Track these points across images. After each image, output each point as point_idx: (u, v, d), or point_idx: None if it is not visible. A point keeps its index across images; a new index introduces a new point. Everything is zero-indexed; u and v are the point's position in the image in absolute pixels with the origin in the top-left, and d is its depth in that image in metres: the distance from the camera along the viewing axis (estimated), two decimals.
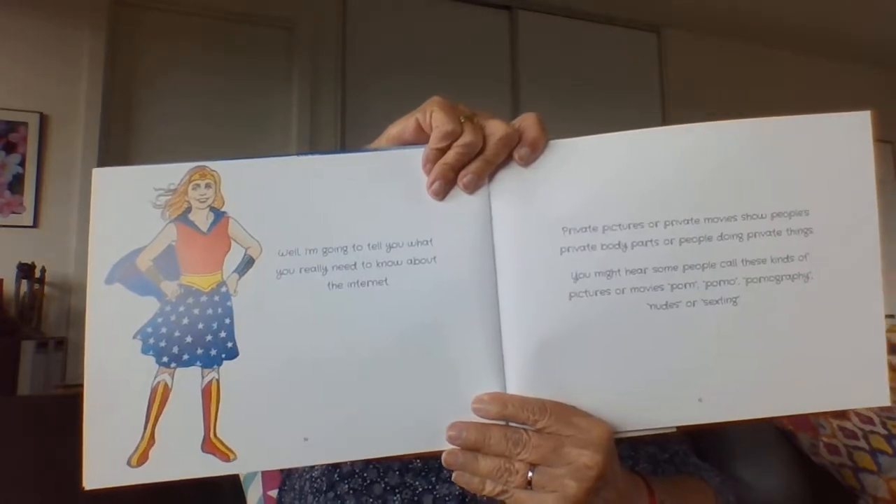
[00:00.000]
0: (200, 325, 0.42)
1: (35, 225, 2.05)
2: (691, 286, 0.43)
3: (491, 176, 0.44)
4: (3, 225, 2.03)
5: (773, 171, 0.44)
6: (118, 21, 2.19)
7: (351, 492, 0.54)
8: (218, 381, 0.41)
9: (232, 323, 0.42)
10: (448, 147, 0.42)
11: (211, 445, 0.41)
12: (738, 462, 1.57)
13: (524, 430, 0.41)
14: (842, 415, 1.58)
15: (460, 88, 2.50)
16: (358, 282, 0.42)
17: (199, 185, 0.43)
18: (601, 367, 0.43)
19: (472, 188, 0.43)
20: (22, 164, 2.05)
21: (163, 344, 0.41)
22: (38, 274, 1.94)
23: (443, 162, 0.42)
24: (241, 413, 0.41)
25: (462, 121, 0.42)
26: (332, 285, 0.42)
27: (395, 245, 0.43)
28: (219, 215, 0.43)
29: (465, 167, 0.43)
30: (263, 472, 0.80)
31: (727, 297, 0.43)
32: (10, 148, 2.05)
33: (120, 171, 0.44)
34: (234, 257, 0.42)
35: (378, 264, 0.43)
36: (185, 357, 0.41)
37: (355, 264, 0.43)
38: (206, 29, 2.30)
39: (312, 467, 0.57)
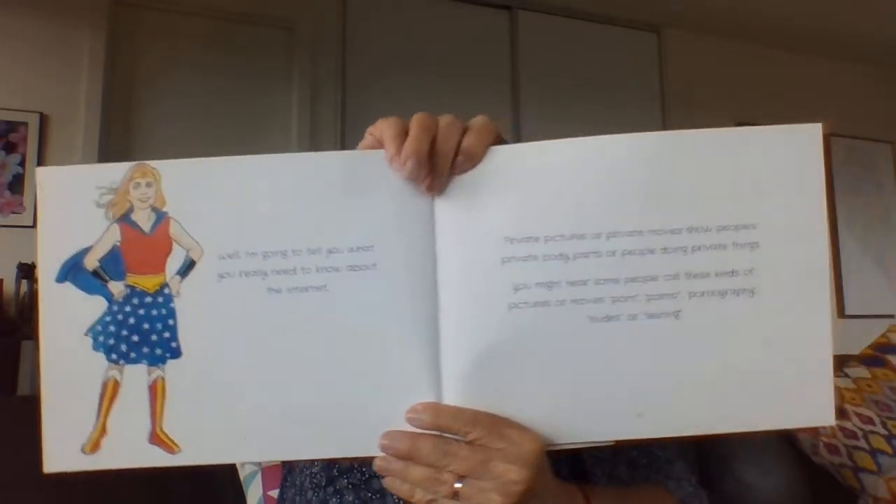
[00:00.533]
0: (146, 325, 0.43)
1: (35, 225, 2.05)
2: (633, 299, 0.42)
3: None
4: (3, 225, 2.04)
5: (720, 184, 0.43)
6: (118, 21, 2.19)
7: (350, 486, 0.55)
8: (163, 378, 0.43)
9: (175, 324, 0.43)
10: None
11: (157, 438, 0.42)
12: (738, 462, 1.57)
13: (456, 441, 0.41)
14: (842, 415, 1.58)
15: (460, 88, 2.50)
16: (297, 287, 0.42)
17: (139, 184, 0.43)
18: (540, 378, 0.42)
19: (436, 188, 0.42)
20: (22, 164, 2.05)
21: (111, 342, 0.43)
22: (38, 274, 1.94)
23: (408, 141, 0.41)
24: (186, 409, 0.42)
25: (414, 117, 0.43)
26: (272, 290, 0.42)
27: (334, 250, 0.43)
28: (160, 216, 0.43)
29: (428, 161, 0.41)
30: (263, 472, 0.80)
31: (669, 311, 0.42)
32: (10, 148, 2.05)
33: (64, 170, 0.45)
34: (176, 259, 0.43)
35: (318, 269, 0.42)
36: (133, 355, 0.43)
37: (294, 269, 0.42)
38: (206, 29, 2.30)
39: (313, 463, 0.58)
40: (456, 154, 0.42)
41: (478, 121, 0.44)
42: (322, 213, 0.43)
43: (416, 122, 0.42)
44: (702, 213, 0.42)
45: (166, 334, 0.43)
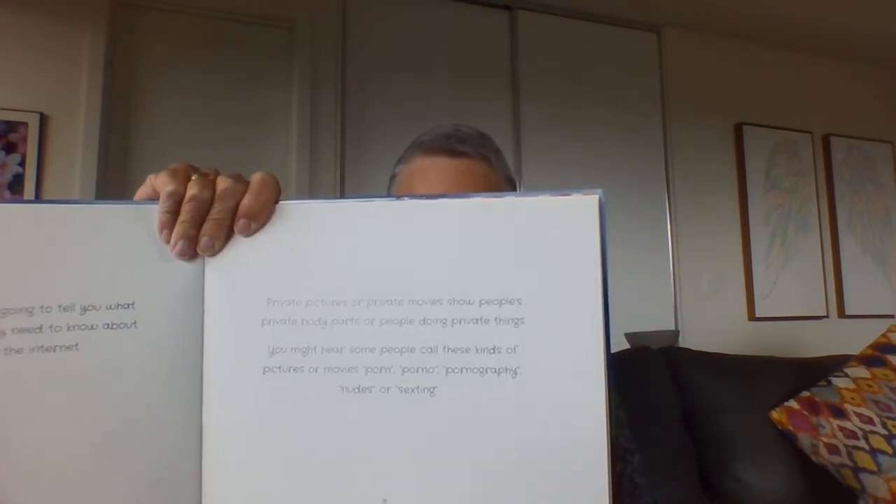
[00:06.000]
0: None
1: None
2: (387, 371, 0.39)
3: None
4: None
5: (485, 255, 0.40)
6: (118, 21, 2.19)
7: None
8: None
9: None
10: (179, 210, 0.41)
11: None
12: (738, 462, 1.57)
13: None
14: (842, 415, 1.58)
15: (460, 88, 2.50)
16: (42, 347, 0.38)
17: None
18: (288, 450, 0.39)
19: (209, 251, 0.41)
20: (22, 164, 2.05)
21: None
22: None
23: (179, 222, 0.40)
24: None
25: (192, 179, 0.41)
26: (10, 350, 0.38)
27: (90, 307, 0.39)
28: None
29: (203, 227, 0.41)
30: None
31: (424, 387, 0.39)
32: (10, 148, 2.05)
33: None
34: None
35: (69, 328, 0.39)
36: None
37: (41, 327, 0.38)
38: (206, 29, 2.30)
39: None
40: (236, 217, 0.41)
41: (255, 179, 0.42)
42: (79, 268, 0.39)
43: (189, 193, 0.41)
44: (464, 285, 0.39)
45: None
